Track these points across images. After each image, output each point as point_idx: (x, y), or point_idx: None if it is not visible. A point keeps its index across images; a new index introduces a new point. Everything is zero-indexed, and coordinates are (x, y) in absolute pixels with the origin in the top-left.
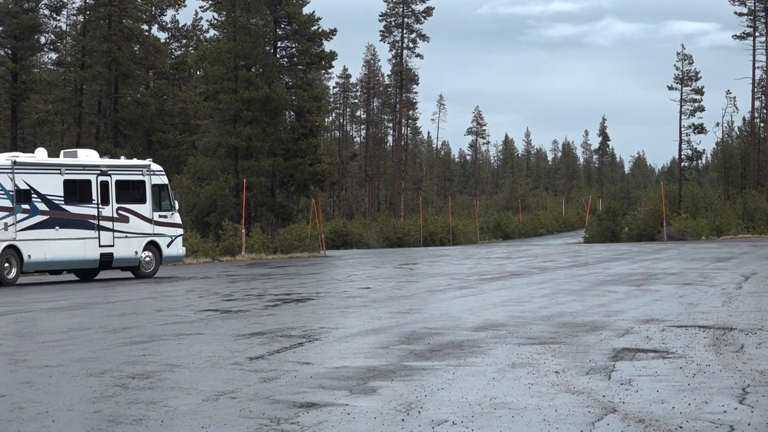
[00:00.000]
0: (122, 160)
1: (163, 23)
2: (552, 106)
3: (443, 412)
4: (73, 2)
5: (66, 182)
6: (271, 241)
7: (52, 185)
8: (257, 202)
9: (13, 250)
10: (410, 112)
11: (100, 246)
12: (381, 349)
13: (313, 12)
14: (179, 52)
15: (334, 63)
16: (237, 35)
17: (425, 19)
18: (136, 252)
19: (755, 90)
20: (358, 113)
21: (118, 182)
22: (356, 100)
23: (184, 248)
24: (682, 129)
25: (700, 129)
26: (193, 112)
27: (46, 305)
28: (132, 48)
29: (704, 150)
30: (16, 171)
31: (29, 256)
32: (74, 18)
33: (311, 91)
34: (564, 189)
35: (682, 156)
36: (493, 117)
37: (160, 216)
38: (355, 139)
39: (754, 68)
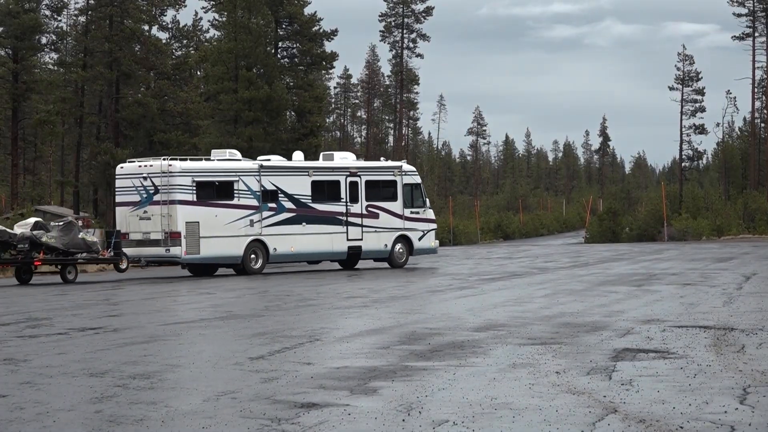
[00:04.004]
0: (375, 162)
1: (164, 23)
2: (552, 106)
3: (444, 413)
4: (76, 2)
5: (314, 183)
6: None
7: (299, 186)
8: None
9: (260, 244)
10: (411, 113)
11: (348, 240)
12: (382, 350)
13: (315, 12)
14: (180, 53)
15: (335, 63)
16: (238, 35)
17: (425, 19)
18: (386, 245)
19: (755, 90)
20: (358, 113)
21: (368, 182)
22: (357, 101)
23: (437, 242)
24: (683, 129)
25: (700, 129)
26: (194, 112)
27: (47, 305)
28: (133, 48)
29: (705, 150)
30: (262, 173)
31: (275, 249)
32: (75, 18)
33: (312, 92)
34: (565, 189)
35: (683, 156)
36: (494, 117)
37: (411, 212)
38: (355, 140)
39: (753, 69)
